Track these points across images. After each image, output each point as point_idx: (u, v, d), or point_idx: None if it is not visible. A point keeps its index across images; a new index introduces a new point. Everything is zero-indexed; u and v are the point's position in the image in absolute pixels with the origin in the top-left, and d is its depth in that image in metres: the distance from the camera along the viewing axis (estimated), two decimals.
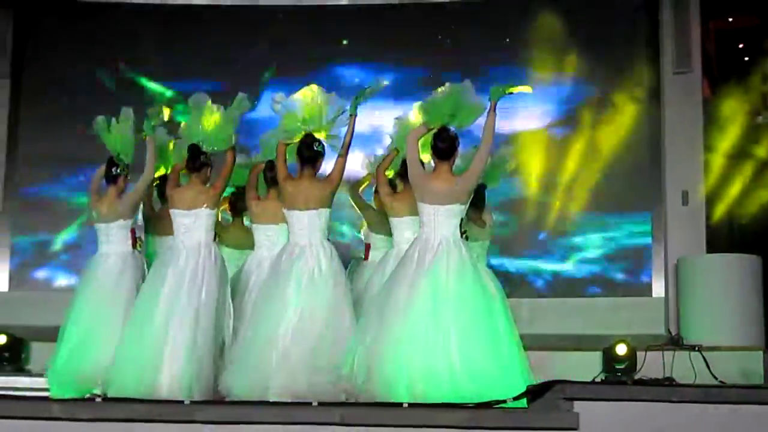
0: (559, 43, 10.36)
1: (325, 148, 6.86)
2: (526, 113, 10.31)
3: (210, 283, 6.81)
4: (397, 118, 7.45)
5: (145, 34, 10.81)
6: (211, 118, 7.06)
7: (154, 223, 7.74)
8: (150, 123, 7.31)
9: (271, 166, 7.27)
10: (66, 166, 10.53)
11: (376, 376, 6.15)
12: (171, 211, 7.05)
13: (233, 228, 7.92)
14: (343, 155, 6.79)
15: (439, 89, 6.51)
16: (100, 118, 7.46)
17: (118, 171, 7.34)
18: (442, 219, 6.28)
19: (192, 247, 6.89)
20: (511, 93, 6.49)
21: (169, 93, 10.70)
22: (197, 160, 7.05)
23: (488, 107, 6.42)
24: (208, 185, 7.08)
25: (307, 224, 6.68)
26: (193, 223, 6.94)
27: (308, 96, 6.81)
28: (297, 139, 6.85)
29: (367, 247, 7.82)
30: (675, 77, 10.19)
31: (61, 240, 10.50)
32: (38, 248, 10.61)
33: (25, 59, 10.87)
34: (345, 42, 10.62)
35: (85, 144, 9.99)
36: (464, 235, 6.41)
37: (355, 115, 6.81)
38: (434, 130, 6.46)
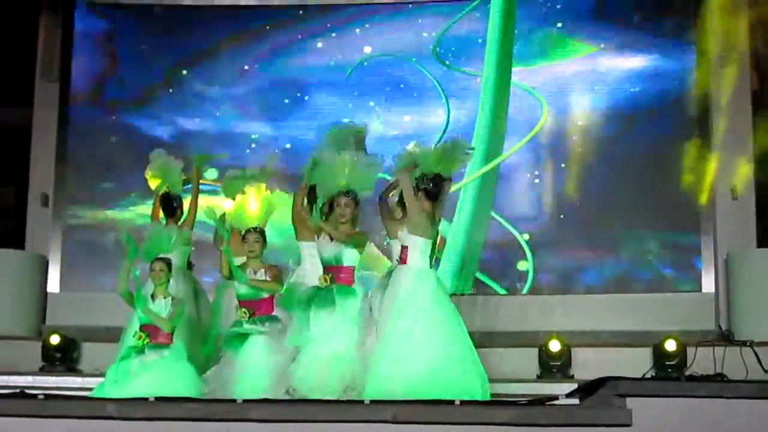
0: (605, 32, 10.32)
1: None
2: (574, 105, 10.33)
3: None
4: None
5: (194, 36, 10.89)
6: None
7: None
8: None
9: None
10: (116, 167, 10.60)
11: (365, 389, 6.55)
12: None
13: None
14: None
15: (432, 145, 7.08)
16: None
17: None
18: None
19: None
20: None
21: (217, 95, 10.80)
22: None
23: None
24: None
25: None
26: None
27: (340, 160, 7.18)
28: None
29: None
30: (721, 68, 10.09)
31: (111, 241, 10.59)
32: (89, 249, 10.69)
33: (73, 63, 10.95)
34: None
35: (134, 145, 10.19)
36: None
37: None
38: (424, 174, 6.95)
